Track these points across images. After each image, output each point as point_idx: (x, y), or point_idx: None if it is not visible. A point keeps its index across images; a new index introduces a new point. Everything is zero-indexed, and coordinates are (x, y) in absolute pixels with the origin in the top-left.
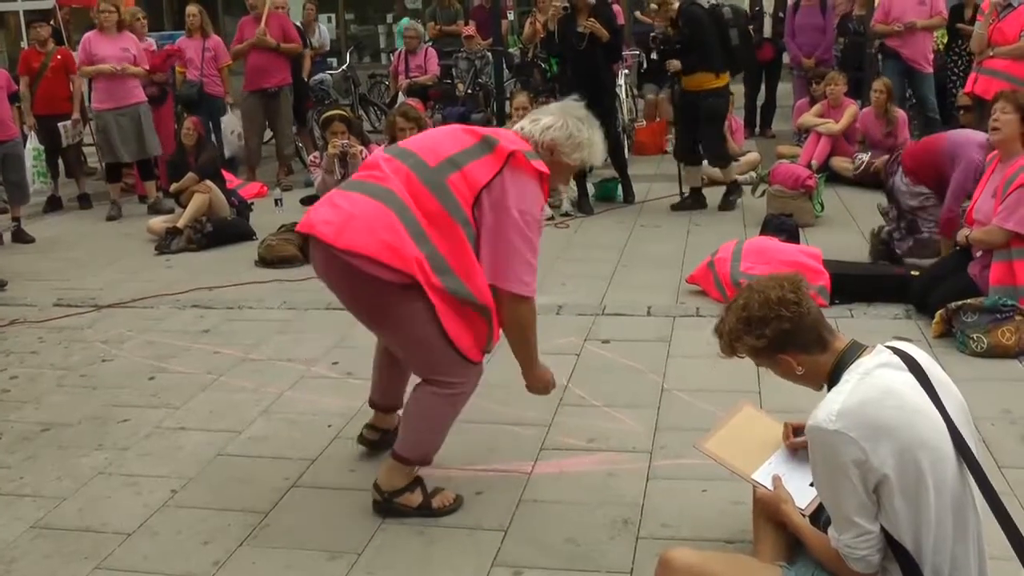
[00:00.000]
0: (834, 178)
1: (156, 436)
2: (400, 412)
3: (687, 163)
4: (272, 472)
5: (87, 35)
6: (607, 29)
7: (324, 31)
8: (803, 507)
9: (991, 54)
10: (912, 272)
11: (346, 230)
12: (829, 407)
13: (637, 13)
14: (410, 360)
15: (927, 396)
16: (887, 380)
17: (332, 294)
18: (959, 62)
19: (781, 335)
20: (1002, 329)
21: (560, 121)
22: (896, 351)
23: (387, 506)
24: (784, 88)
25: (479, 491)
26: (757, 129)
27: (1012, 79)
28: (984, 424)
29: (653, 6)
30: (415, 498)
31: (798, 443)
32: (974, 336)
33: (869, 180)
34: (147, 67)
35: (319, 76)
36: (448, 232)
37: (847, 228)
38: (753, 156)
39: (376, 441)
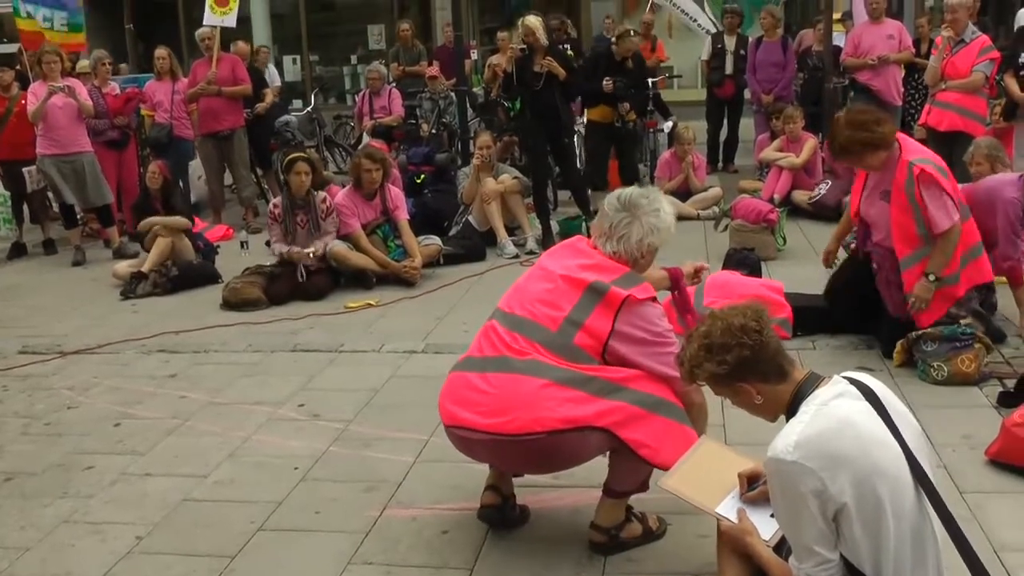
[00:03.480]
0: (796, 212)
1: (121, 483)
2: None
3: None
4: (238, 516)
5: (32, 85)
6: (563, 68)
7: (274, 72)
8: (767, 538)
9: (944, 87)
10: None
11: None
12: (787, 438)
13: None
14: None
15: (884, 425)
16: (844, 410)
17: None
18: (915, 95)
19: (742, 363)
20: (962, 357)
21: (645, 225)
22: (853, 381)
23: (614, 543)
24: (746, 124)
25: (445, 530)
26: (720, 164)
27: (963, 111)
28: (945, 450)
29: (632, 31)
30: (636, 528)
31: (753, 496)
32: (935, 364)
33: (825, 212)
34: (92, 107)
35: (284, 118)
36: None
37: (809, 261)
38: (716, 191)
39: (499, 507)
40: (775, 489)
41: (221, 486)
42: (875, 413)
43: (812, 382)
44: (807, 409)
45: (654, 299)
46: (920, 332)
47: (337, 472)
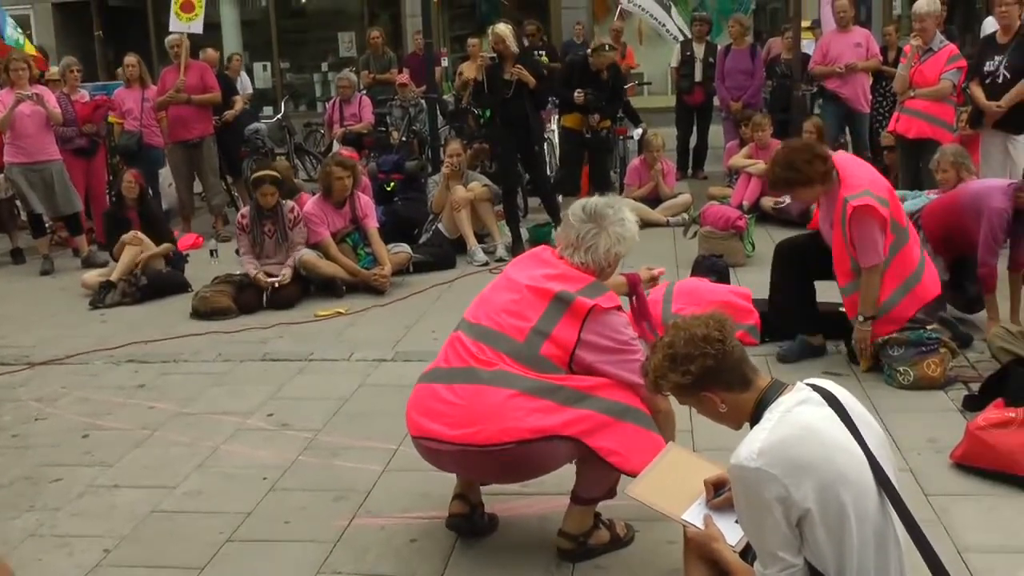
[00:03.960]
0: (764, 218)
1: (89, 495)
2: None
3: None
4: (207, 527)
5: None
6: (534, 76)
7: (246, 79)
8: (733, 544)
9: (912, 95)
10: (840, 308)
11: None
12: (751, 445)
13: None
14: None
15: (847, 431)
16: (807, 417)
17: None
18: (883, 103)
19: (706, 372)
20: (927, 361)
21: (612, 235)
22: (816, 388)
23: (582, 550)
24: (715, 130)
25: (414, 539)
26: (690, 171)
27: (931, 119)
28: (911, 454)
29: (608, 45)
30: (604, 535)
31: (720, 503)
32: (900, 369)
33: (793, 220)
34: (60, 114)
35: (254, 125)
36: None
37: None
38: (685, 198)
39: (468, 516)
40: (739, 496)
41: (190, 497)
42: (838, 419)
43: (776, 389)
44: (770, 416)
45: (619, 308)
46: (886, 337)
47: (306, 482)
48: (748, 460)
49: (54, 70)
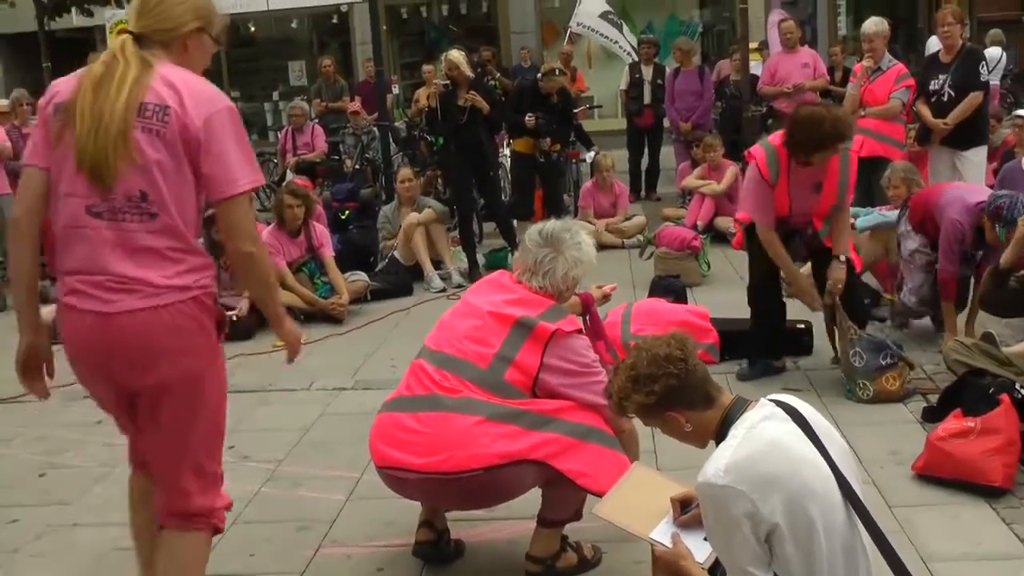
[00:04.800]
0: (719, 238)
1: (48, 535)
2: None
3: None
4: None
5: None
6: (487, 101)
7: None
8: (701, 561)
9: (863, 114)
10: (799, 325)
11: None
12: (717, 462)
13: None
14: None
15: (812, 445)
16: (772, 433)
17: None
18: None
19: (669, 391)
20: (886, 376)
21: (569, 259)
22: (779, 403)
23: (551, 573)
24: (667, 152)
25: (380, 567)
26: (643, 193)
27: (881, 137)
28: (873, 467)
29: (558, 69)
30: (571, 557)
31: (687, 519)
32: (860, 383)
33: None
34: (10, 148)
35: None
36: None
37: (733, 286)
38: (640, 219)
39: (434, 543)
40: (708, 513)
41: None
42: (802, 434)
43: (740, 406)
44: (736, 433)
45: (580, 331)
46: (853, 337)
47: (270, 513)
48: (715, 477)
49: (3, 103)
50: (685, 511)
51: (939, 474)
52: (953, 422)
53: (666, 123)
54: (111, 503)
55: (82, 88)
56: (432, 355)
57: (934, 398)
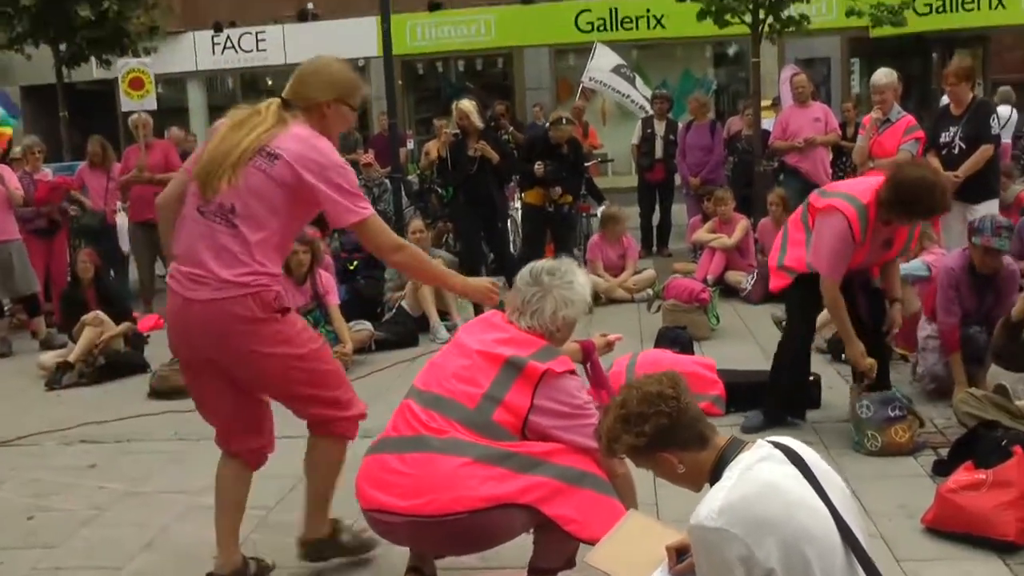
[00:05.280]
0: (729, 292)
1: None
2: None
3: None
4: None
5: None
6: (498, 152)
7: None
8: None
9: (872, 166)
10: (808, 377)
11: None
12: (711, 504)
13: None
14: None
15: (811, 488)
16: (769, 474)
17: None
18: (843, 177)
19: (661, 431)
20: (895, 428)
21: (558, 299)
22: (777, 445)
23: None
24: (678, 208)
25: None
26: (654, 248)
27: None
28: (882, 519)
29: (565, 119)
30: None
31: (682, 569)
32: (869, 434)
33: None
34: (22, 195)
35: None
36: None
37: (744, 340)
38: (649, 273)
39: None
40: (700, 557)
41: None
42: (801, 476)
43: (735, 447)
44: (730, 474)
45: (572, 372)
46: (861, 393)
47: None
48: (708, 520)
49: (16, 150)
50: (681, 559)
51: (950, 528)
52: (964, 474)
53: (677, 178)
54: (98, 547)
55: (225, 124)
56: (420, 395)
57: (945, 452)
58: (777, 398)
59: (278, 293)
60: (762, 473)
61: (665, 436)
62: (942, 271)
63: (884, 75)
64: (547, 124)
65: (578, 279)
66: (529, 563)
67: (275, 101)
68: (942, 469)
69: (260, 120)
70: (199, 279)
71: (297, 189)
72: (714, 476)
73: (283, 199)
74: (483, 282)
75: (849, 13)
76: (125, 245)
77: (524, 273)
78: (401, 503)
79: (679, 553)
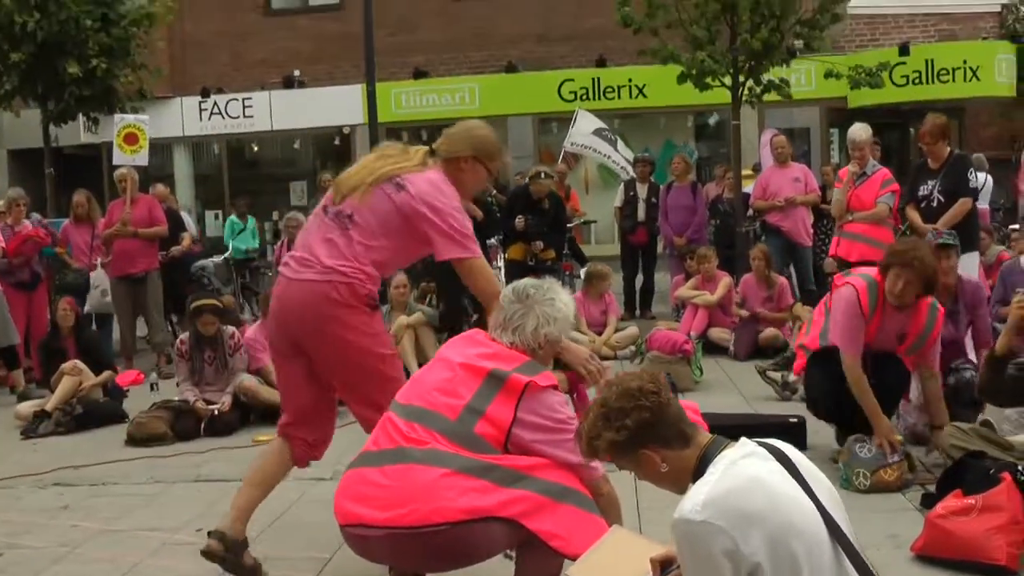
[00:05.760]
0: (712, 348)
1: None
2: None
3: None
4: None
5: None
6: (481, 211)
7: (188, 220)
8: None
9: (850, 219)
10: (791, 419)
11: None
12: (695, 498)
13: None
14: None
15: (796, 484)
16: (754, 469)
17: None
18: (825, 240)
19: (642, 426)
20: (885, 469)
21: (540, 316)
22: (761, 443)
23: None
24: (662, 277)
25: None
26: (637, 312)
27: (871, 241)
28: (871, 550)
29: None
30: None
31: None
32: (859, 472)
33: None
34: (3, 247)
35: (200, 263)
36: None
37: (728, 392)
38: (632, 330)
39: None
40: (684, 554)
41: None
42: (786, 472)
43: (718, 445)
44: (714, 470)
45: (555, 387)
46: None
47: None
48: (692, 513)
49: (0, 203)
50: (665, 573)
51: (940, 554)
52: (953, 500)
53: (659, 242)
54: None
55: (374, 153)
56: (401, 408)
57: (932, 488)
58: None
59: (372, 292)
60: (747, 468)
61: (647, 432)
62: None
63: (861, 130)
64: (527, 179)
65: (560, 297)
66: None
67: (424, 148)
68: (931, 502)
69: (405, 158)
70: (306, 263)
71: (412, 220)
72: (697, 474)
73: (397, 225)
74: (582, 350)
75: (828, 75)
76: (90, 303)
77: (507, 291)
78: (380, 515)
79: (663, 566)
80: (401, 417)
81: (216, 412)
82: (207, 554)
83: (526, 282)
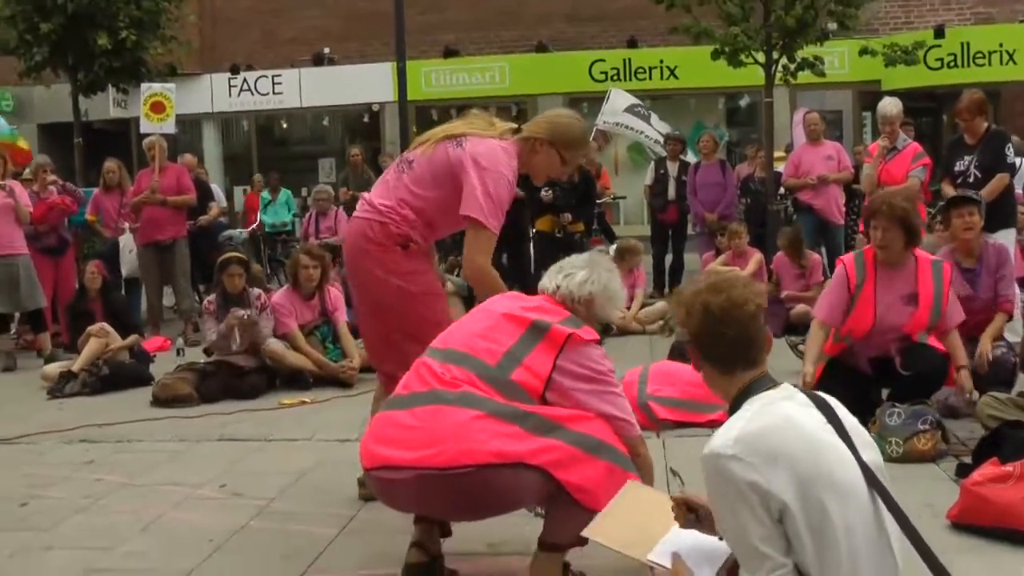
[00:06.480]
0: None
1: (20, 556)
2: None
3: None
4: None
5: None
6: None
7: (218, 191)
8: None
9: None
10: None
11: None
12: (727, 434)
13: None
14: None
15: (836, 434)
16: (791, 410)
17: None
18: (857, 218)
19: (701, 336)
20: (919, 436)
21: (594, 275)
22: (804, 391)
23: None
24: (691, 258)
25: None
26: (666, 290)
27: None
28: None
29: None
30: None
31: (695, 504)
32: (892, 440)
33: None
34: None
35: (228, 232)
36: None
37: None
38: (661, 305)
39: (426, 566)
40: (713, 489)
41: (129, 557)
42: (827, 423)
43: (762, 384)
44: (750, 407)
45: (598, 341)
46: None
47: (255, 544)
48: (723, 448)
49: (27, 170)
50: (696, 515)
51: (976, 521)
52: (990, 468)
53: (689, 220)
54: (90, 531)
55: (462, 115)
56: (438, 352)
57: (968, 460)
58: None
59: (406, 232)
60: (784, 408)
61: (702, 343)
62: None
63: (891, 104)
64: None
65: (616, 278)
66: (540, 536)
67: (510, 124)
68: (965, 471)
69: (483, 125)
70: (363, 202)
71: (458, 174)
72: (734, 407)
73: (445, 178)
74: None
75: (863, 52)
76: (125, 267)
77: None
78: (407, 455)
79: (689, 508)
80: (437, 360)
81: (246, 317)
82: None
83: (595, 253)
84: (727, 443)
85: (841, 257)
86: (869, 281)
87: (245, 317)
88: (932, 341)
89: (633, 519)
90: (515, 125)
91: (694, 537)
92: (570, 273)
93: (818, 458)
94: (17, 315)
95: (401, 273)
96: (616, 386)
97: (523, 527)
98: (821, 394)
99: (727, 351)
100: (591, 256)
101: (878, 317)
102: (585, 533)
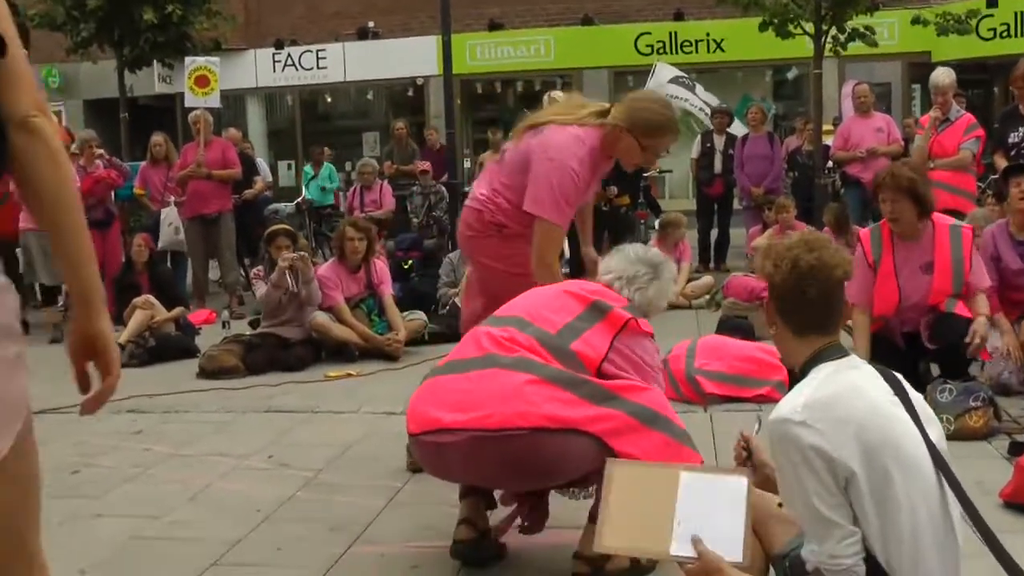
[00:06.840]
0: None
1: (69, 523)
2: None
3: None
4: (192, 553)
5: None
6: None
7: (264, 166)
8: (736, 558)
9: (932, 166)
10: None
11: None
12: (795, 399)
13: None
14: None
15: (903, 409)
16: (859, 379)
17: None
18: None
19: (780, 297)
20: (971, 413)
21: (659, 289)
22: (873, 364)
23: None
24: (737, 231)
25: (415, 565)
26: (712, 264)
27: (953, 189)
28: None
29: None
30: (623, 560)
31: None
32: (943, 417)
33: None
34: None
35: (274, 206)
36: None
37: None
38: (707, 279)
39: (475, 542)
40: (780, 456)
41: (176, 526)
42: (895, 396)
43: (832, 352)
44: (817, 375)
45: (653, 336)
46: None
47: (302, 514)
48: (791, 413)
49: (74, 146)
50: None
51: None
52: None
53: (735, 194)
54: (138, 499)
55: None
56: (498, 320)
57: (1021, 437)
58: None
59: (500, 220)
60: (852, 377)
61: (780, 303)
62: (983, 238)
63: (944, 74)
64: None
65: (672, 283)
66: (591, 509)
67: (598, 107)
68: (1018, 450)
69: (570, 110)
70: (472, 193)
71: (531, 163)
72: (804, 371)
73: (523, 166)
74: None
75: (915, 21)
76: (162, 240)
77: (637, 249)
78: (460, 417)
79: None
80: (496, 326)
81: (292, 263)
82: None
83: (653, 251)
84: (795, 409)
85: (860, 231)
86: (887, 255)
87: (295, 258)
88: (961, 310)
89: (634, 509)
90: (606, 106)
91: (703, 510)
92: (642, 287)
93: (885, 428)
94: (64, 287)
95: (503, 257)
96: (660, 385)
97: (570, 502)
98: (889, 370)
99: (806, 311)
100: (653, 262)
101: (902, 291)
102: (596, 548)
